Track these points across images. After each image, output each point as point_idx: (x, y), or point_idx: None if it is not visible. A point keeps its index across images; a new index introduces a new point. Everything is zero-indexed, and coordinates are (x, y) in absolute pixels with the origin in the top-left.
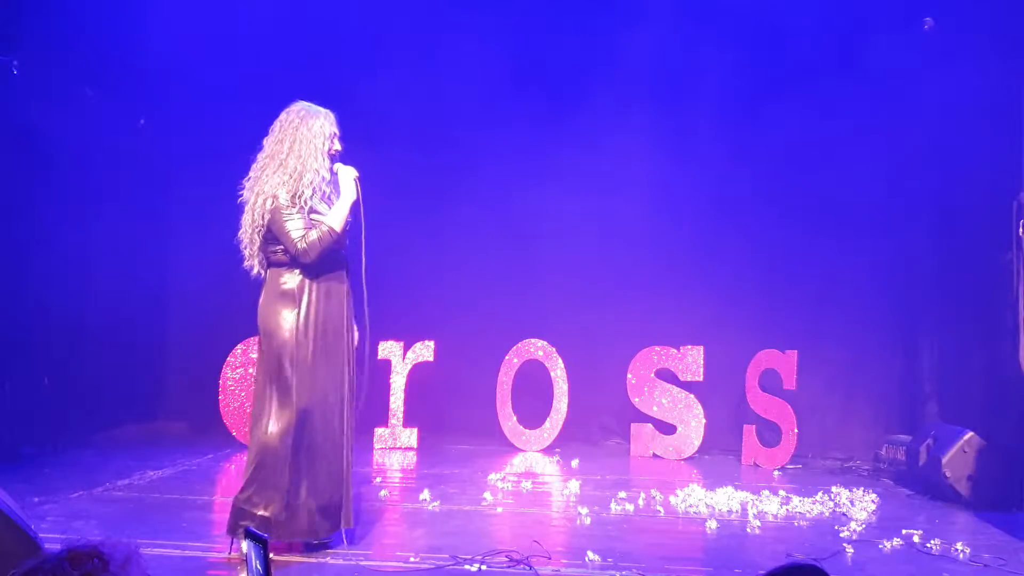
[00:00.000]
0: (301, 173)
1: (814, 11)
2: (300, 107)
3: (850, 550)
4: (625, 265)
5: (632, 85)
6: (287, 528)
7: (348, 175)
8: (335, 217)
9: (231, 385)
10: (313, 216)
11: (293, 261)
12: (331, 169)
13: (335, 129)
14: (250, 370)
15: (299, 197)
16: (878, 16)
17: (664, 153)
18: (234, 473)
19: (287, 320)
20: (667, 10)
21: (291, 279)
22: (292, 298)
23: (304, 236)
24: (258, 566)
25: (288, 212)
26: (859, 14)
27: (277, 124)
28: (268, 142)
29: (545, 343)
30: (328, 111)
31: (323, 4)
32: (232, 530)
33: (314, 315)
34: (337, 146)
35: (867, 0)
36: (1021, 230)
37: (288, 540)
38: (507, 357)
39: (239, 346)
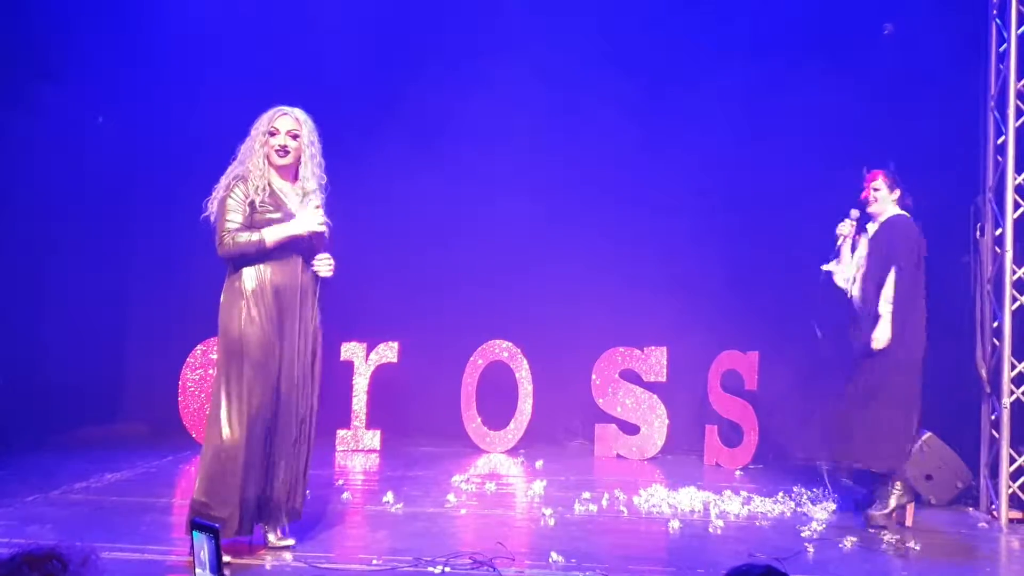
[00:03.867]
0: (247, 169)
1: (781, 14)
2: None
3: (811, 549)
4: (590, 267)
5: (599, 87)
6: (244, 526)
7: (312, 220)
8: (272, 235)
9: (191, 386)
10: (268, 216)
11: (221, 256)
12: (273, 166)
13: (278, 125)
14: (210, 371)
15: (245, 193)
16: (841, 20)
17: (630, 155)
18: (194, 475)
19: (239, 317)
20: (636, 8)
21: (247, 276)
22: (243, 295)
23: (233, 231)
24: (207, 556)
25: (227, 204)
26: (823, 18)
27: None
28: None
29: (510, 344)
30: (284, 108)
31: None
32: (191, 531)
33: (266, 313)
34: (276, 141)
35: (833, 6)
36: (978, 233)
37: (247, 536)
38: (472, 358)
39: (199, 347)
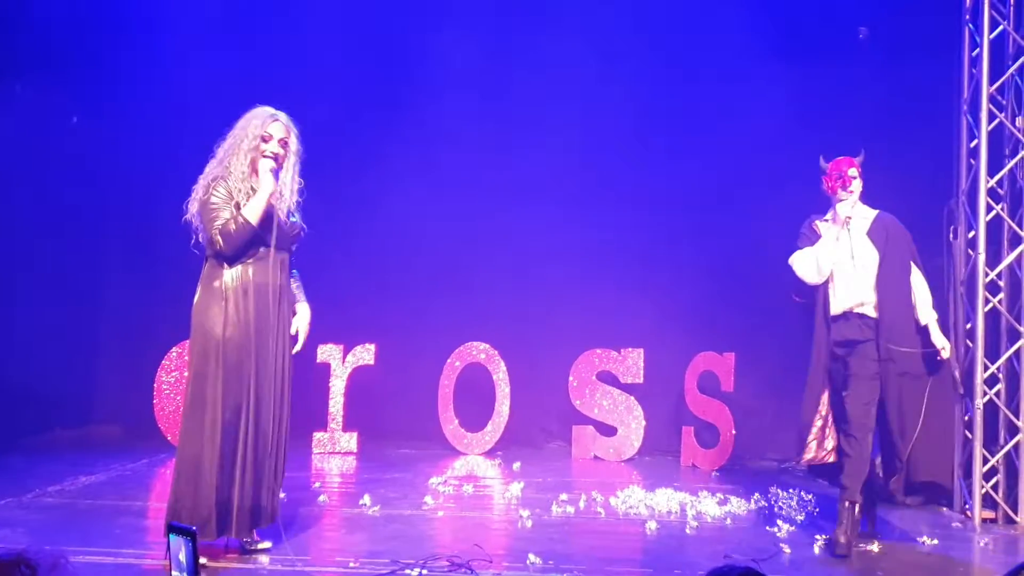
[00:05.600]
0: (227, 170)
1: (756, 18)
2: (252, 110)
3: (787, 550)
4: (567, 269)
5: (576, 90)
6: (219, 528)
7: (264, 166)
8: (250, 209)
9: (166, 389)
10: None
11: (218, 255)
12: (259, 169)
13: (270, 131)
14: (185, 373)
15: (229, 192)
16: (815, 23)
17: (604, 158)
18: (170, 478)
19: (216, 317)
20: (611, 7)
21: (221, 275)
22: (221, 295)
23: (222, 226)
24: (184, 559)
25: (210, 206)
26: (798, 22)
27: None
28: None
29: (488, 346)
30: (275, 113)
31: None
32: (168, 534)
33: (243, 312)
34: (273, 148)
35: (808, 10)
36: (951, 236)
37: (225, 537)
38: (449, 360)
39: (174, 349)
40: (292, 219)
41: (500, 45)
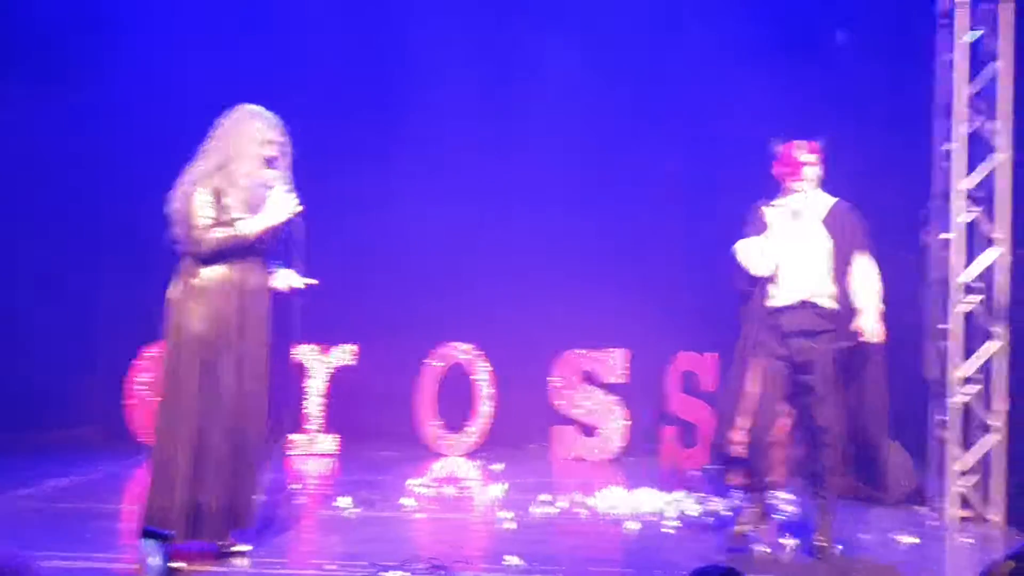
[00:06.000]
0: (227, 171)
1: (731, 20)
2: (241, 109)
3: (767, 550)
4: (549, 269)
5: (555, 89)
6: (196, 531)
7: (287, 203)
8: (252, 226)
9: (140, 390)
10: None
11: (196, 255)
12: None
13: (271, 135)
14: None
15: (219, 192)
16: (792, 27)
17: (587, 158)
18: (144, 480)
19: (193, 313)
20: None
21: (200, 271)
22: (199, 290)
23: (208, 227)
24: (157, 563)
25: (201, 201)
26: (774, 24)
27: (217, 124)
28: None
29: (469, 347)
30: (272, 116)
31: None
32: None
33: (221, 309)
34: (271, 152)
35: (784, 12)
36: (927, 238)
37: (202, 540)
38: (430, 360)
39: (148, 350)
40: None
41: (474, 41)
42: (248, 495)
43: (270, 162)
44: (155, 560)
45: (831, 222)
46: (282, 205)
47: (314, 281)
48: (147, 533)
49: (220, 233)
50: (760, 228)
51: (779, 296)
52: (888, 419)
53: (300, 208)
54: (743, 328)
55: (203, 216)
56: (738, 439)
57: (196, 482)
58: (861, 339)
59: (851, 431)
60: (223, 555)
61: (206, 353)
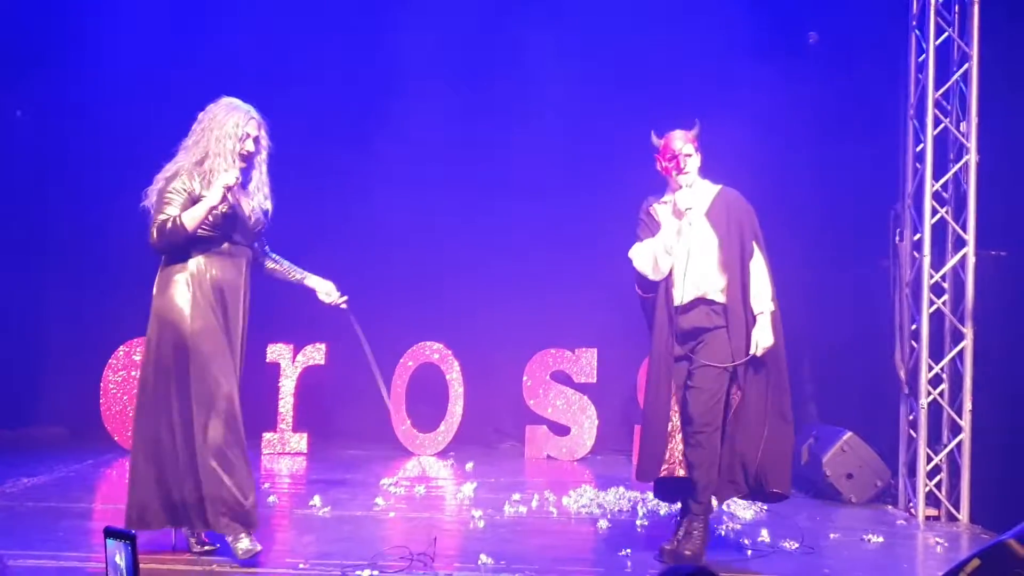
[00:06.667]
0: (203, 168)
1: (705, 22)
2: (222, 102)
3: (746, 551)
4: (521, 269)
5: (531, 88)
6: (172, 522)
7: (220, 181)
8: (189, 215)
9: (113, 388)
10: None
11: (152, 246)
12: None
13: (248, 130)
14: (133, 372)
15: (182, 186)
16: (765, 28)
17: (559, 157)
18: (116, 479)
19: (181, 309)
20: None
21: (184, 267)
22: (185, 286)
23: (161, 222)
24: (121, 562)
25: (164, 196)
26: (747, 26)
27: (199, 118)
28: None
29: (441, 346)
30: (250, 109)
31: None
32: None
33: (206, 304)
34: (249, 147)
35: (750, 15)
36: (897, 239)
37: (187, 529)
38: (402, 360)
39: (121, 348)
40: (264, 206)
41: (447, 42)
42: (244, 490)
43: (247, 157)
44: (119, 558)
45: (713, 213)
46: (217, 189)
47: (344, 299)
48: (109, 532)
49: (169, 225)
50: (654, 228)
51: (676, 296)
52: (791, 417)
53: (233, 181)
54: (655, 332)
55: (165, 213)
56: (677, 456)
57: (178, 477)
58: (754, 353)
59: (755, 436)
60: (195, 553)
61: (194, 346)
